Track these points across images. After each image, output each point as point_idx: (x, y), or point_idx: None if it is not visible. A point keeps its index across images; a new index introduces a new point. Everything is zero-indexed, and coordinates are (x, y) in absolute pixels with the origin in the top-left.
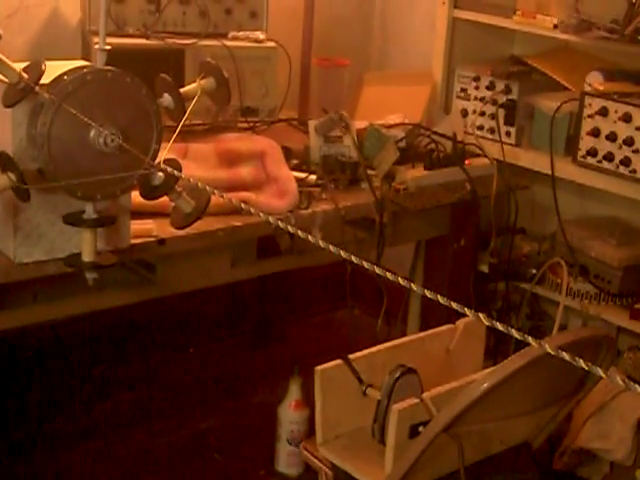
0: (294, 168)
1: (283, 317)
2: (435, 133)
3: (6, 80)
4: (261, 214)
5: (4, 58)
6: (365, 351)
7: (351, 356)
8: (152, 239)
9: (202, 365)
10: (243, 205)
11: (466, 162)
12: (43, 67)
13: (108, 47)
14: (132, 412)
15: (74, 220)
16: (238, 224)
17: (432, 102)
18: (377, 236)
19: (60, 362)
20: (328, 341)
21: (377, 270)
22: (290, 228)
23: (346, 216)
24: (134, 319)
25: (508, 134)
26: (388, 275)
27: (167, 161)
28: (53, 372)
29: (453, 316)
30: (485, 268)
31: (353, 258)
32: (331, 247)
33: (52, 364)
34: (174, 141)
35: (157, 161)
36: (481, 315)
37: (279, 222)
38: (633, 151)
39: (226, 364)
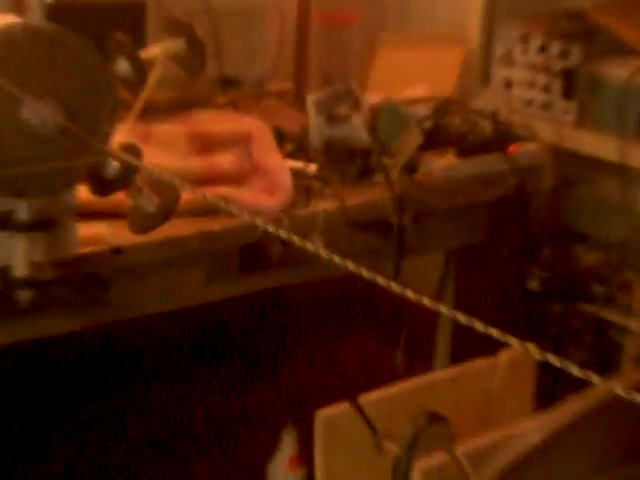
0: (288, 156)
1: (274, 348)
2: (470, 110)
3: None
4: (245, 215)
5: None
6: (380, 392)
7: (361, 398)
8: (105, 248)
9: (168, 411)
10: (222, 203)
11: (510, 148)
12: None
13: None
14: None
15: (2, 223)
16: (215, 228)
17: (466, 70)
18: (395, 244)
19: None
20: (332, 379)
21: (395, 287)
22: (283, 233)
23: (355, 218)
24: (78, 349)
25: (566, 111)
26: (409, 294)
27: (124, 147)
28: None
29: (494, 347)
30: (535, 285)
31: (364, 272)
32: (335, 258)
33: None
34: (134, 121)
35: (111, 147)
36: (530, 345)
37: (268, 225)
38: None
39: (200, 409)
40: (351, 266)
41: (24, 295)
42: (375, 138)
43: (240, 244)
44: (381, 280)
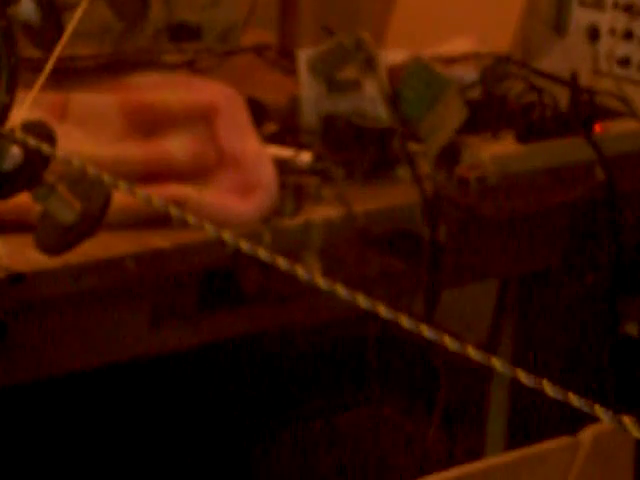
0: (271, 139)
1: (253, 422)
2: (537, 73)
3: None
4: (208, 226)
5: None
6: None
7: None
8: None
9: None
10: (173, 209)
11: (597, 127)
12: None
13: None
14: None
15: None
16: (164, 245)
17: (531, 15)
18: (427, 269)
19: None
20: (335, 465)
21: (427, 332)
22: (262, 253)
23: (368, 230)
24: None
25: None
26: (447, 342)
27: (28, 126)
28: None
29: (573, 421)
30: (634, 329)
31: (381, 310)
32: (339, 289)
33: None
34: (43, 88)
35: (9, 125)
36: (627, 419)
37: (241, 241)
38: None
39: None
40: (363, 301)
41: None
42: (397, 114)
43: (200, 270)
44: (407, 322)
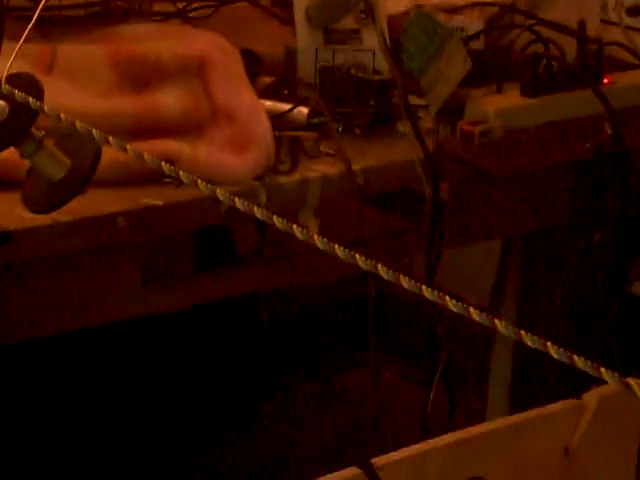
0: (266, 92)
1: (248, 385)
2: (544, 23)
3: None
4: (200, 183)
5: None
6: (405, 451)
7: (376, 460)
8: None
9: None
10: (165, 166)
11: (606, 80)
12: None
13: None
14: None
15: None
16: (156, 203)
17: None
18: (428, 227)
19: None
20: (334, 429)
21: (428, 293)
22: (257, 212)
23: (367, 187)
24: None
25: None
26: (449, 303)
27: (14, 78)
28: None
29: (576, 384)
30: None
31: (381, 270)
32: (338, 249)
33: None
34: (30, 39)
35: None
36: (633, 381)
37: (235, 199)
38: None
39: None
40: (362, 261)
41: None
42: (398, 66)
43: (193, 229)
44: (407, 282)
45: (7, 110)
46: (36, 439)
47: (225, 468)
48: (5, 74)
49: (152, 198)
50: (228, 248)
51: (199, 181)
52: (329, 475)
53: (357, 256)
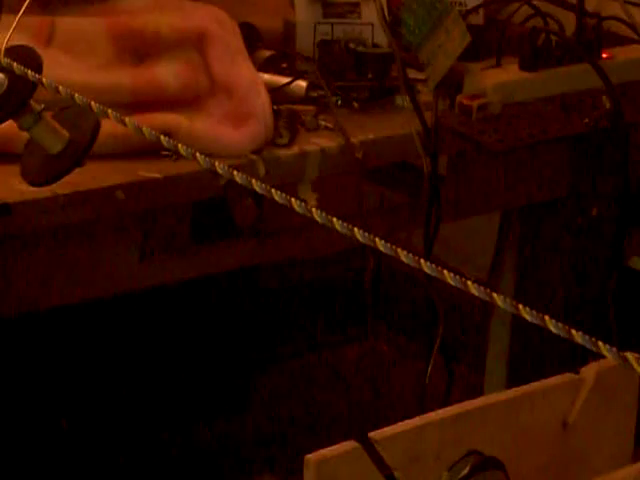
0: (265, 66)
1: (245, 359)
2: None
3: None
4: (199, 156)
5: None
6: (402, 424)
7: (374, 434)
8: None
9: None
10: (164, 139)
11: (605, 54)
12: None
13: None
14: None
15: None
16: (154, 175)
17: None
18: (426, 201)
19: None
20: (330, 403)
21: (426, 267)
22: (256, 185)
23: (366, 161)
24: None
25: None
26: (447, 276)
27: (13, 50)
28: None
29: (574, 358)
30: (639, 263)
31: (379, 243)
32: (336, 223)
33: None
34: (28, 11)
35: None
36: (630, 356)
37: (234, 173)
38: None
39: (142, 447)
40: (360, 235)
41: None
42: (397, 40)
43: (191, 202)
44: (406, 256)
45: (6, 83)
46: (34, 412)
47: (220, 441)
48: (4, 46)
49: (150, 171)
50: (226, 221)
51: (197, 154)
52: (327, 448)
53: (355, 229)
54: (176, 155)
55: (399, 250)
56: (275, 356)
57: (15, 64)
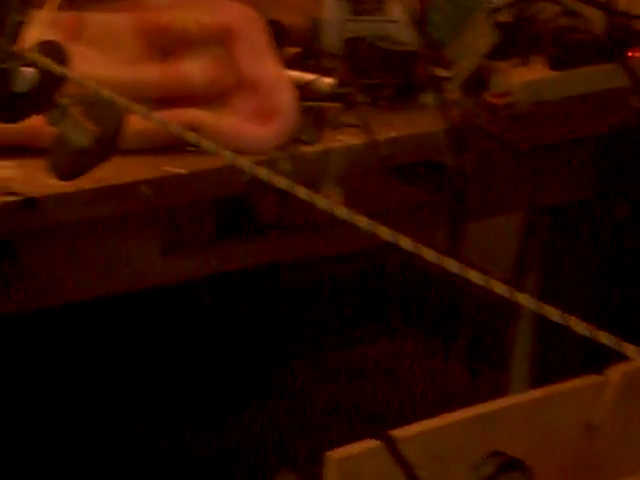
0: (291, 63)
1: (266, 355)
2: None
3: None
4: (224, 152)
5: None
6: (426, 423)
7: (396, 432)
8: (11, 198)
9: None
10: (190, 134)
11: (632, 53)
12: None
13: None
14: None
15: None
16: (179, 171)
17: None
18: (452, 199)
19: None
20: (353, 402)
21: (451, 266)
22: (280, 182)
23: (391, 158)
24: None
25: None
26: (472, 276)
27: (42, 46)
28: None
29: (600, 359)
30: None
31: (404, 241)
32: (361, 220)
33: None
34: (58, 7)
35: (22, 45)
36: None
37: (258, 169)
38: None
39: (161, 445)
40: (385, 232)
41: None
42: (424, 37)
43: (215, 197)
44: (430, 254)
45: (35, 77)
46: (52, 402)
47: (240, 438)
48: (32, 42)
49: (175, 166)
50: (249, 217)
51: (222, 150)
52: (348, 446)
53: (380, 227)
54: (201, 151)
55: (423, 248)
56: (297, 353)
57: (44, 59)
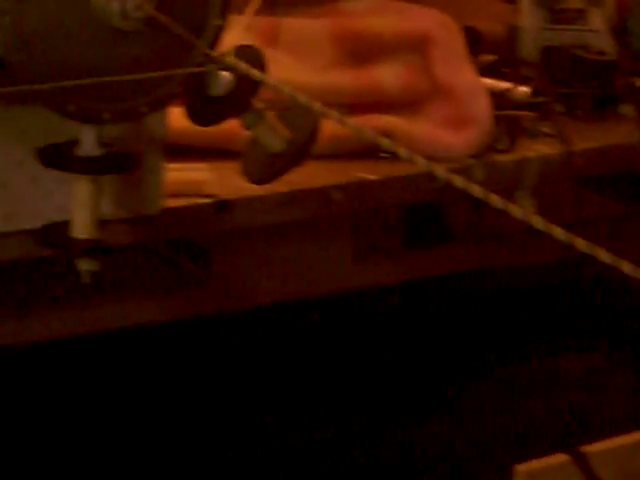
0: (487, 71)
1: (454, 365)
2: None
3: None
4: (417, 159)
5: None
6: (617, 439)
7: (587, 447)
8: (205, 200)
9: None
10: (384, 140)
11: None
12: None
13: None
14: None
15: (59, 158)
16: (371, 177)
17: None
18: None
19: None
20: (542, 414)
21: None
22: (473, 190)
23: (588, 170)
24: (159, 346)
25: None
26: None
27: (240, 50)
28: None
29: None
30: None
31: (601, 254)
32: (555, 231)
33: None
34: (255, 12)
35: (220, 50)
36: None
37: (451, 176)
38: None
39: (315, 456)
40: (581, 244)
41: (85, 265)
42: (625, 47)
43: (406, 204)
44: (628, 267)
45: (233, 81)
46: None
47: (427, 451)
48: (230, 46)
49: (366, 172)
50: (439, 225)
51: (417, 157)
52: (537, 460)
53: (576, 238)
54: (394, 157)
55: (621, 261)
56: (485, 364)
57: (241, 63)
